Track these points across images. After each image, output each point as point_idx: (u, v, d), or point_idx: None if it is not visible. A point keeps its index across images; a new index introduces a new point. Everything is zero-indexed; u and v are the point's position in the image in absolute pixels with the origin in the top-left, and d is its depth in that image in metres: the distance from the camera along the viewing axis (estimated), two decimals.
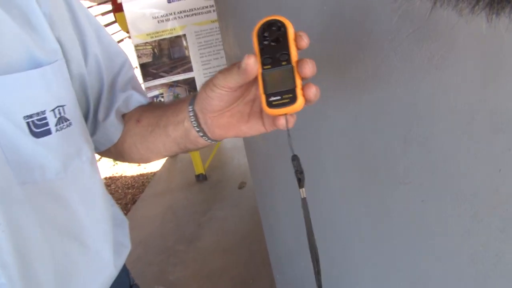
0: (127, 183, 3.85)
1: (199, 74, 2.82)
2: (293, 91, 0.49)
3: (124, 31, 3.45)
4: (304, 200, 0.56)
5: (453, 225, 0.68)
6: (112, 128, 0.71)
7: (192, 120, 0.60)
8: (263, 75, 0.50)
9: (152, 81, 2.77)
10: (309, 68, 0.49)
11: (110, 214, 0.70)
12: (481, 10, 0.39)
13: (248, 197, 2.93)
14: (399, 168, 0.69)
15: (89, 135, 0.65)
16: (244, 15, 0.91)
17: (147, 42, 2.70)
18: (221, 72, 0.53)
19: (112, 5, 3.46)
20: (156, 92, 2.82)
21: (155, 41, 2.70)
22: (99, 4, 4.93)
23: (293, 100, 0.49)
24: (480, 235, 0.66)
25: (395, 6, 0.57)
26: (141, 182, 3.83)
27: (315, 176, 0.88)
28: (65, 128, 0.58)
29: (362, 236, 0.84)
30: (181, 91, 2.78)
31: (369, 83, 0.66)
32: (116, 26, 4.98)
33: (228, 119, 0.59)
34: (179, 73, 2.78)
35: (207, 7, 2.66)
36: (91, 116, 0.70)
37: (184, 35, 2.70)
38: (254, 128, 0.58)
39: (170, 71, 2.78)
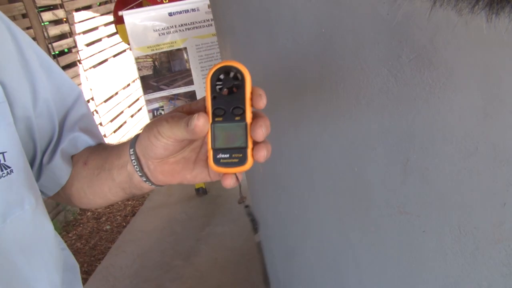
0: None
1: (200, 88, 2.80)
2: (244, 150, 0.45)
3: (125, 43, 3.45)
4: (259, 244, 0.56)
5: (454, 259, 0.65)
6: (58, 171, 0.66)
7: (135, 164, 0.56)
8: (213, 128, 0.45)
9: (152, 93, 2.76)
10: (262, 133, 0.45)
11: (60, 259, 0.65)
12: (480, 9, 0.38)
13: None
14: (397, 198, 0.67)
15: (34, 182, 0.61)
16: (241, 33, 0.90)
17: (147, 55, 2.69)
18: (167, 120, 0.48)
19: (113, 17, 3.47)
20: (156, 105, 2.81)
21: (155, 53, 2.69)
22: (101, 15, 4.95)
23: (243, 160, 0.45)
24: (483, 269, 0.63)
25: (395, 6, 0.55)
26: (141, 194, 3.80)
27: (312, 205, 0.85)
28: (4, 176, 0.53)
29: (358, 265, 0.81)
30: (182, 104, 2.76)
31: (367, 110, 0.64)
32: (117, 38, 5.00)
33: (172, 165, 0.55)
34: (179, 86, 2.77)
35: (208, 20, 2.66)
36: (38, 161, 0.66)
37: (185, 48, 2.70)
38: (199, 176, 0.55)
39: (170, 84, 2.77)
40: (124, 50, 5.43)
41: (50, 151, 0.66)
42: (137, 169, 0.56)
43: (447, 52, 0.53)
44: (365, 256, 0.79)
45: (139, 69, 2.72)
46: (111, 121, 4.91)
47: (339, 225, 0.82)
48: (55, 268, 0.63)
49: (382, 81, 0.60)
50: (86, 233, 3.40)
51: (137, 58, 2.67)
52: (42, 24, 3.83)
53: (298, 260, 1.05)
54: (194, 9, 2.62)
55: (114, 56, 5.19)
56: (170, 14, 2.61)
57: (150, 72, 2.74)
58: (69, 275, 0.69)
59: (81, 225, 3.53)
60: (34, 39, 3.71)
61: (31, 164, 0.64)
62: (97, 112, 4.67)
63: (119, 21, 2.87)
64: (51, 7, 4.13)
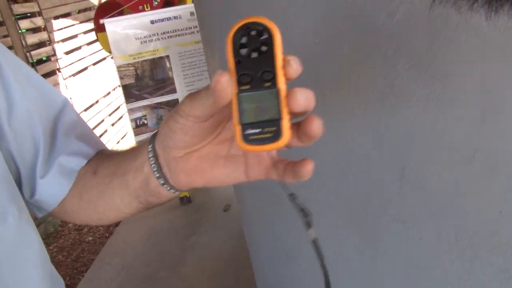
0: None
1: (183, 96, 2.78)
2: (277, 122, 0.37)
3: (106, 51, 3.41)
4: (314, 240, 0.47)
5: (451, 266, 0.65)
6: (54, 185, 0.60)
7: (152, 162, 0.49)
8: (239, 98, 0.37)
9: (134, 102, 2.73)
10: (302, 99, 0.36)
11: (47, 272, 0.61)
12: (480, 7, 0.37)
13: (233, 219, 2.88)
14: (394, 205, 0.67)
15: (17, 193, 0.57)
16: None
17: (129, 63, 2.66)
18: (188, 96, 0.41)
19: (94, 25, 3.43)
20: (139, 114, 2.77)
21: (138, 62, 2.66)
22: (81, 22, 4.89)
23: (277, 135, 0.37)
24: (480, 275, 0.63)
25: (394, 6, 0.55)
26: None
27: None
28: None
29: (354, 273, 0.81)
30: (165, 113, 2.74)
31: (363, 118, 0.64)
32: (97, 45, 4.94)
33: (197, 162, 0.46)
34: (162, 94, 2.74)
35: (190, 28, 2.65)
36: (26, 175, 0.61)
37: (167, 56, 2.68)
38: (233, 175, 0.47)
39: (153, 92, 2.74)
40: (104, 58, 5.37)
41: (43, 164, 0.61)
42: (155, 169, 0.49)
43: (443, 61, 0.53)
44: (361, 264, 0.79)
45: (121, 78, 2.68)
46: (93, 129, 4.84)
47: (334, 233, 0.82)
48: (43, 281, 0.61)
49: (378, 90, 0.60)
50: (67, 245, 3.33)
51: (119, 67, 2.64)
52: (20, 32, 3.76)
53: (290, 268, 1.05)
54: (176, 16, 2.61)
55: (94, 64, 5.13)
56: (152, 22, 2.59)
57: (132, 80, 2.71)
58: None
59: (62, 237, 3.46)
60: (11, 47, 3.64)
61: (18, 179, 0.61)
62: None
63: (100, 29, 2.84)
64: (29, 14, 4.06)
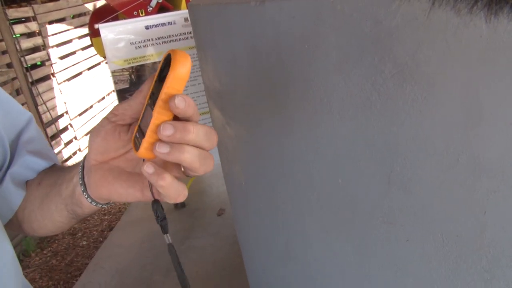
0: (103, 209, 3.76)
1: None
2: (142, 138, 0.44)
3: (101, 56, 3.42)
4: (170, 246, 0.54)
5: (438, 266, 0.67)
6: (9, 195, 0.63)
7: (80, 170, 0.55)
8: (145, 107, 0.46)
9: None
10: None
11: (19, 284, 0.62)
12: (479, 10, 0.38)
13: (227, 224, 2.89)
14: (381, 208, 0.68)
15: None
16: (223, 48, 0.91)
17: (124, 68, 2.67)
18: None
19: (89, 30, 3.44)
20: None
21: (132, 67, 2.67)
22: (75, 27, 4.90)
23: (138, 146, 0.45)
24: (465, 276, 0.65)
25: (393, 6, 0.56)
26: (118, 209, 3.74)
27: (296, 217, 0.86)
28: None
29: (343, 275, 0.83)
30: None
31: (351, 123, 0.66)
32: (91, 50, 4.95)
33: (105, 173, 0.53)
34: None
35: (184, 33, 2.66)
36: None
37: None
38: (130, 191, 0.52)
39: None
40: (99, 63, 5.37)
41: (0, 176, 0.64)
42: (80, 177, 0.55)
43: (428, 67, 0.55)
44: (349, 266, 0.80)
45: (115, 83, 2.69)
46: (86, 134, 4.83)
47: (323, 236, 0.83)
48: None
49: (365, 96, 0.62)
50: (61, 250, 3.32)
51: (113, 72, 2.65)
52: (14, 36, 3.76)
53: (281, 272, 1.06)
54: (171, 22, 2.62)
55: (89, 69, 5.13)
56: (147, 28, 2.60)
57: (126, 85, 2.71)
58: None
59: (56, 242, 3.45)
60: (5, 52, 3.64)
61: None
62: (71, 126, 4.60)
63: (94, 34, 2.85)
64: (23, 19, 4.06)
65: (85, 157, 0.55)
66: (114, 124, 0.50)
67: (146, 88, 0.47)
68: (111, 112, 0.50)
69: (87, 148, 0.54)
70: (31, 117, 0.69)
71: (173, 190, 0.46)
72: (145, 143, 0.44)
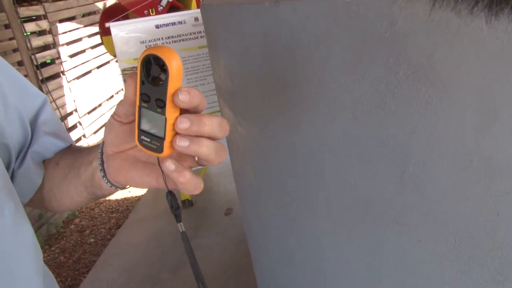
0: (111, 207, 3.79)
1: None
2: (161, 141, 0.46)
3: (111, 54, 3.44)
4: (183, 233, 0.56)
5: (450, 267, 0.67)
6: (30, 174, 0.66)
7: (99, 157, 0.58)
8: (140, 110, 0.47)
9: None
10: (183, 127, 0.45)
11: (40, 266, 0.64)
12: (480, 11, 0.39)
13: (234, 224, 2.89)
14: (393, 209, 0.69)
15: (13, 187, 0.61)
16: (235, 48, 0.91)
17: (134, 67, 2.68)
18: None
19: (99, 28, 3.46)
20: None
21: None
22: (85, 26, 4.93)
23: (159, 149, 0.47)
24: (477, 277, 0.65)
25: (396, 15, 0.57)
26: (126, 206, 3.76)
27: (307, 216, 0.86)
28: None
29: (354, 275, 0.83)
30: None
31: (364, 124, 0.66)
32: (101, 49, 4.98)
33: (121, 161, 0.56)
34: None
35: (194, 33, 2.67)
36: (11, 168, 0.66)
37: None
38: (146, 179, 0.55)
39: None
40: (108, 62, 5.40)
41: (21, 156, 0.67)
42: (99, 163, 0.58)
43: (443, 69, 0.55)
44: (361, 266, 0.81)
45: (125, 81, 2.71)
46: (95, 133, 4.86)
47: (334, 236, 0.83)
48: (36, 274, 0.63)
49: (379, 96, 0.62)
50: (69, 247, 3.35)
51: (123, 70, 2.67)
52: (25, 34, 3.79)
53: (291, 272, 1.06)
54: (181, 21, 2.63)
55: (98, 67, 5.16)
56: (157, 27, 2.61)
57: None
58: (48, 283, 0.69)
59: (64, 239, 3.47)
60: (16, 50, 3.67)
61: (7, 169, 0.64)
62: (80, 124, 4.62)
63: (105, 32, 2.87)
64: (34, 17, 4.10)
65: (102, 145, 0.58)
66: (120, 123, 0.52)
67: (132, 89, 0.47)
68: (114, 113, 0.52)
69: (104, 140, 0.57)
70: (46, 99, 0.72)
71: (191, 185, 0.48)
72: (167, 143, 0.46)
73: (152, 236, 2.96)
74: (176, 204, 0.56)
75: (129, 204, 3.76)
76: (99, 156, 0.58)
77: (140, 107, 0.47)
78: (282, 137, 0.85)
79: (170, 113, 0.45)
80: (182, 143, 0.45)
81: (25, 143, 0.67)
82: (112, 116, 0.52)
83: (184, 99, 0.44)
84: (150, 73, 0.44)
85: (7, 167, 0.65)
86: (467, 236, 0.63)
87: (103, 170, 0.58)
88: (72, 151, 0.69)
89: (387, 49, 0.58)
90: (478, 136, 0.56)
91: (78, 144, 4.52)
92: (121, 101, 0.50)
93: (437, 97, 0.57)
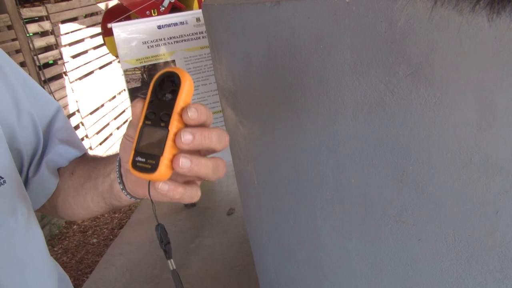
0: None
1: None
2: (157, 158, 0.44)
3: (113, 55, 3.45)
4: (174, 271, 0.54)
5: (449, 265, 0.67)
6: (45, 182, 0.67)
7: (117, 170, 0.58)
8: (140, 130, 0.45)
9: None
10: (186, 141, 0.44)
11: (54, 269, 0.66)
12: (481, 9, 0.39)
13: (237, 224, 2.90)
14: (394, 207, 0.69)
15: (25, 192, 0.62)
16: (237, 48, 0.92)
17: (136, 67, 2.70)
18: None
19: (101, 29, 3.47)
20: None
21: (144, 66, 2.70)
22: (87, 27, 4.94)
23: (153, 168, 0.44)
24: (477, 275, 0.65)
25: (395, 15, 0.57)
26: (128, 207, 3.77)
27: (308, 215, 0.87)
28: None
29: (354, 274, 0.83)
30: None
31: (364, 123, 0.67)
32: (103, 49, 4.99)
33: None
34: None
35: (196, 33, 2.68)
36: (25, 174, 0.67)
37: (173, 60, 2.71)
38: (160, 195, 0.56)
39: None
40: (110, 62, 5.42)
41: (35, 163, 0.68)
42: (118, 176, 0.58)
43: (442, 68, 0.55)
44: (361, 265, 0.81)
45: (127, 82, 2.72)
46: (97, 133, 4.88)
47: (335, 235, 0.84)
48: (49, 277, 0.64)
49: (379, 96, 0.63)
50: (72, 247, 3.36)
51: (125, 71, 2.68)
52: (28, 35, 3.81)
53: (293, 270, 1.07)
54: (183, 22, 2.64)
55: (100, 68, 5.18)
56: (159, 27, 2.62)
57: (138, 84, 2.74)
58: (63, 286, 0.70)
59: (67, 239, 3.49)
60: (19, 50, 3.69)
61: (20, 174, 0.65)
62: (83, 124, 4.64)
63: (107, 33, 2.88)
64: (37, 18, 4.11)
65: (119, 159, 0.58)
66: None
67: (139, 111, 0.47)
68: (126, 134, 0.51)
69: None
70: (59, 107, 0.73)
71: (187, 197, 0.48)
72: (164, 159, 0.44)
73: (154, 236, 2.95)
74: (166, 238, 0.54)
75: (132, 205, 3.77)
76: (117, 169, 0.58)
77: (142, 126, 0.46)
78: (284, 136, 0.85)
79: (174, 126, 0.44)
80: (185, 164, 0.44)
81: (37, 149, 0.68)
82: (124, 136, 0.52)
83: (193, 115, 0.44)
84: (162, 90, 0.45)
85: (19, 172, 0.66)
86: (467, 234, 0.63)
87: (122, 183, 0.58)
88: (87, 160, 0.69)
89: (387, 49, 0.59)
90: (477, 135, 0.57)
91: None
92: (130, 122, 0.50)
93: (436, 96, 0.57)
